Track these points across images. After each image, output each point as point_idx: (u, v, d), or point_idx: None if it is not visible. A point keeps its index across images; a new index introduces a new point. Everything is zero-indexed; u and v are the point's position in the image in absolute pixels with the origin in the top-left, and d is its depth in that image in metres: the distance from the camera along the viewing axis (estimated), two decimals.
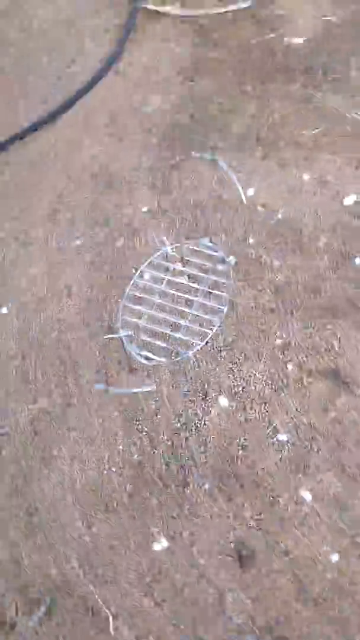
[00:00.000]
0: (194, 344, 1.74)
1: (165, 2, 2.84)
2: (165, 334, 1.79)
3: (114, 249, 2.04)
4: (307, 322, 1.77)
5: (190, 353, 1.66)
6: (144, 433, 1.66)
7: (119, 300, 1.91)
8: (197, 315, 1.80)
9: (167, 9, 2.82)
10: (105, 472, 1.63)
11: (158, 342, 1.78)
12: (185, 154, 2.25)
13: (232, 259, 1.92)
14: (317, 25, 2.61)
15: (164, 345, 1.77)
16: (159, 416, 1.68)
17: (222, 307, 1.80)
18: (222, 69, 2.53)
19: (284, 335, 1.76)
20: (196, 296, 1.85)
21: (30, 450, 1.69)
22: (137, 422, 1.68)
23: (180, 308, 1.84)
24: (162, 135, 2.33)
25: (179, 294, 1.88)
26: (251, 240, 1.97)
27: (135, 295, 1.89)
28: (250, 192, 2.10)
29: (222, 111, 2.37)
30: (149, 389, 1.68)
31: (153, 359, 1.74)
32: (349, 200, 2.03)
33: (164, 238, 1.98)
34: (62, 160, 2.32)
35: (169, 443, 1.64)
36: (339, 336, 1.72)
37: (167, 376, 1.74)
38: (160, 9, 2.82)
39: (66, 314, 1.92)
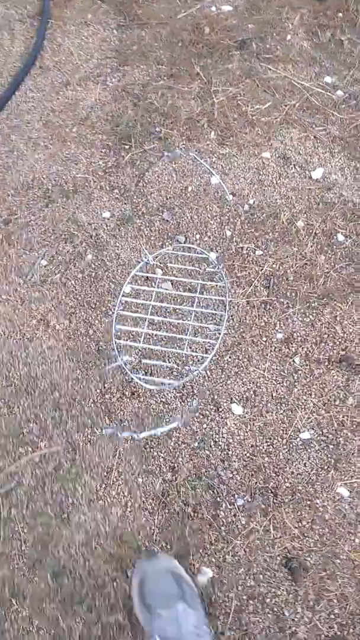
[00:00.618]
0: (202, 357, 1.63)
1: None
2: (168, 352, 1.66)
3: (84, 266, 1.87)
4: (305, 311, 1.70)
5: (201, 368, 1.54)
6: (162, 459, 1.55)
7: (105, 321, 1.75)
8: (198, 326, 1.68)
9: None
10: (129, 509, 1.50)
11: (162, 363, 1.64)
12: (137, 148, 2.08)
13: (212, 256, 1.81)
14: None
15: (169, 365, 1.64)
16: (173, 438, 1.57)
17: (223, 312, 1.68)
18: (154, 50, 2.35)
19: (284, 329, 1.69)
20: (192, 305, 1.72)
21: (41, 503, 1.53)
22: (151, 449, 1.57)
23: (178, 321, 1.71)
24: (109, 130, 2.14)
25: (173, 306, 1.74)
26: (228, 233, 1.87)
27: (125, 316, 1.74)
28: (214, 180, 1.98)
29: (165, 96, 2.21)
30: (173, 425, 1.54)
31: (162, 384, 1.61)
32: (317, 173, 1.96)
33: (143, 248, 1.82)
34: (2, 173, 2.09)
35: (190, 465, 1.54)
36: (340, 320, 1.67)
37: (172, 394, 1.62)
38: None
39: (50, 351, 1.74)
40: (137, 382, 1.61)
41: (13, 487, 1.56)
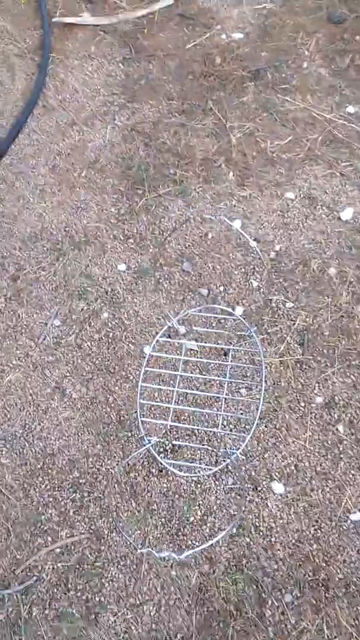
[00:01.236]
0: (239, 437, 1.46)
1: (74, 13, 2.48)
2: (201, 432, 1.50)
3: (100, 326, 1.72)
4: (346, 371, 1.55)
5: (239, 451, 1.39)
6: (197, 549, 1.39)
7: (126, 387, 1.61)
8: (231, 399, 1.53)
9: (84, 18, 2.46)
10: (163, 608, 1.35)
11: (195, 445, 1.48)
12: (152, 192, 1.94)
13: (239, 310, 1.66)
14: (253, 15, 2.36)
15: (202, 446, 1.48)
16: (208, 524, 1.42)
17: (259, 382, 1.51)
18: (163, 84, 2.23)
19: (324, 392, 1.54)
20: (224, 374, 1.55)
21: (65, 602, 1.38)
22: (185, 537, 1.41)
23: (210, 394, 1.55)
24: (120, 174, 2.01)
25: (203, 376, 1.58)
26: (254, 284, 1.72)
27: (150, 389, 1.57)
28: (237, 225, 1.84)
29: (177, 134, 2.08)
30: (222, 535, 1.37)
31: (196, 469, 1.44)
32: (346, 214, 1.82)
33: (167, 312, 1.67)
34: (8, 224, 1.95)
35: (229, 555, 1.38)
36: None
37: (204, 472, 1.47)
38: (75, 20, 2.46)
39: (67, 423, 1.59)
40: (164, 466, 1.45)
41: (33, 583, 1.40)
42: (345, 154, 1.95)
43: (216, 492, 1.44)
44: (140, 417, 1.44)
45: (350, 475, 1.43)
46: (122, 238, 1.88)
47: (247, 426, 1.49)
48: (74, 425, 1.58)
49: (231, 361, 1.53)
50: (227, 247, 1.80)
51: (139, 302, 1.75)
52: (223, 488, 1.44)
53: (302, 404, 1.53)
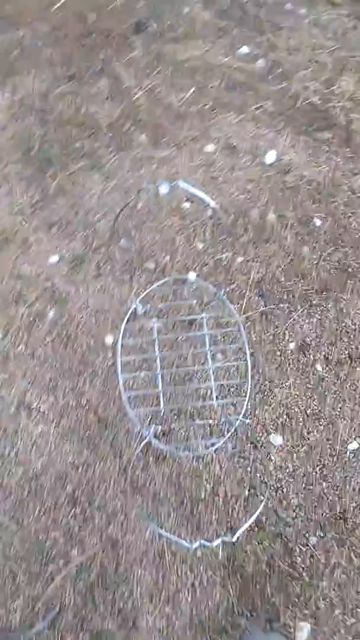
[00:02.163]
0: (236, 402, 1.43)
1: None
2: (190, 409, 1.44)
3: (50, 327, 1.58)
4: (309, 312, 1.57)
5: (241, 416, 1.34)
6: (215, 521, 1.37)
7: (97, 384, 1.50)
8: (220, 367, 1.48)
9: None
10: (198, 590, 1.32)
11: (198, 422, 1.43)
12: (63, 171, 1.78)
13: (192, 275, 1.60)
14: None
15: (205, 422, 1.43)
16: (220, 494, 1.39)
17: (241, 343, 1.47)
18: (41, 50, 2.01)
19: (295, 337, 1.55)
20: (203, 346, 1.49)
21: (98, 620, 1.30)
22: (200, 514, 1.38)
23: (194, 367, 1.49)
24: (21, 157, 1.81)
25: (184, 352, 1.51)
26: (200, 246, 1.66)
27: (132, 378, 1.48)
28: (164, 190, 1.74)
29: (73, 104, 1.90)
30: (262, 505, 1.34)
31: (200, 446, 1.40)
32: (270, 157, 1.80)
33: (132, 295, 1.56)
34: None
35: (248, 517, 1.37)
36: (347, 312, 1.56)
37: (202, 446, 1.43)
38: None
39: (43, 440, 1.46)
40: (176, 453, 1.38)
41: (57, 614, 1.30)
42: (252, 96, 1.92)
43: (220, 461, 1.42)
44: (131, 408, 1.35)
45: (339, 409, 1.47)
46: (45, 227, 1.71)
47: (235, 390, 1.46)
48: (51, 439, 1.46)
49: (208, 330, 1.47)
50: (161, 215, 1.71)
51: (85, 291, 1.62)
52: (225, 456, 1.42)
53: (278, 354, 1.53)
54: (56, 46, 2.03)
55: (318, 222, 1.69)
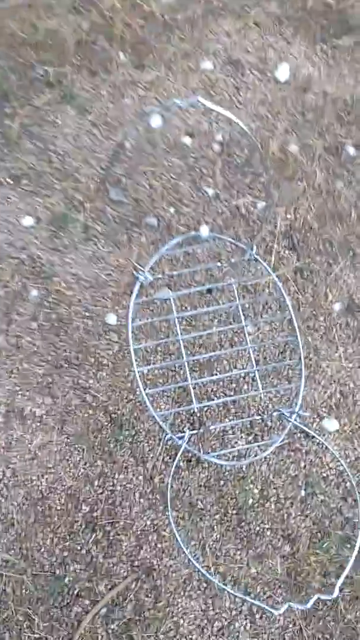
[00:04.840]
0: (285, 390, 1.16)
1: None
2: (228, 403, 1.16)
3: (34, 310, 1.25)
4: (353, 263, 1.29)
5: (298, 408, 1.07)
6: (268, 531, 1.13)
7: (103, 375, 1.20)
8: (262, 344, 1.18)
9: None
10: (257, 613, 1.09)
11: (241, 420, 1.16)
12: (24, 106, 1.39)
13: (204, 230, 1.28)
14: None
15: (252, 419, 1.16)
16: (271, 499, 1.14)
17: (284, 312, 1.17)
18: None
19: (339, 295, 1.27)
20: (237, 320, 1.17)
21: None
22: (249, 525, 1.13)
23: (228, 351, 1.19)
24: None
25: (212, 330, 1.21)
26: (210, 192, 1.33)
27: (149, 370, 1.17)
28: (156, 122, 1.38)
29: (28, 20, 1.48)
30: None
31: (244, 448, 1.14)
32: (282, 72, 1.47)
33: (133, 262, 1.22)
34: None
35: (309, 522, 1.14)
36: None
37: (242, 441, 1.17)
38: None
39: (45, 451, 1.16)
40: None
41: None
42: None
43: (265, 459, 1.16)
44: (153, 410, 1.05)
45: None
46: (11, 182, 1.34)
47: (281, 375, 1.18)
48: (55, 449, 1.16)
49: (240, 300, 1.16)
50: (157, 154, 1.36)
51: (73, 260, 1.28)
52: (271, 452, 1.16)
53: (322, 319, 1.25)
54: None
55: (351, 149, 1.37)
